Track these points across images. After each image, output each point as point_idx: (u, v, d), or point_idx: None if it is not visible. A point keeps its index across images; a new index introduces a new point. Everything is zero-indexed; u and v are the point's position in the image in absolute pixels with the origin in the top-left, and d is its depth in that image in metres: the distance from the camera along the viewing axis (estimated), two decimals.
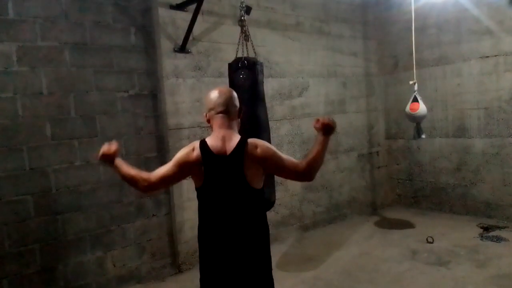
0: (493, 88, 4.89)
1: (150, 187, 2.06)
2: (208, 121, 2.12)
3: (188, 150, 2.02)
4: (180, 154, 2.03)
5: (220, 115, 2.04)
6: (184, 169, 2.03)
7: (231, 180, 1.98)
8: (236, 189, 1.99)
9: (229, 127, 2.04)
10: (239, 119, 2.14)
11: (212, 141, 2.00)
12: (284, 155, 2.05)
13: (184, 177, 2.11)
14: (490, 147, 4.99)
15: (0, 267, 3.12)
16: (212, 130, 2.09)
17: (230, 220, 2.01)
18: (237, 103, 2.11)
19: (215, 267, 2.05)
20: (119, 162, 2.14)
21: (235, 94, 2.13)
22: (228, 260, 2.02)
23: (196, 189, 2.07)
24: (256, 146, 1.98)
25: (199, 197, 2.08)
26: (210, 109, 2.08)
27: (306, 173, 2.00)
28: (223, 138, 2.00)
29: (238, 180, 1.97)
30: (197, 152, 1.99)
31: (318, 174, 5.60)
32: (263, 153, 1.98)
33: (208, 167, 1.97)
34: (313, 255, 4.26)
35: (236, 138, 2.01)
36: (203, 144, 2.00)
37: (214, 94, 2.08)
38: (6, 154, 3.15)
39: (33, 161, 3.25)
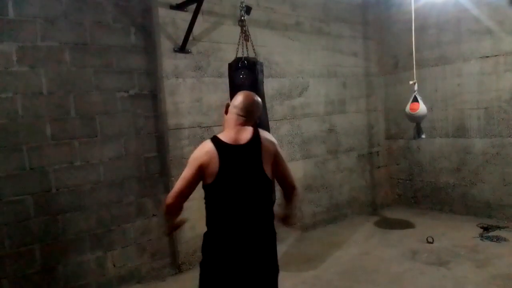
0: (493, 88, 4.89)
1: (174, 202, 2.06)
2: (226, 112, 2.17)
3: (200, 148, 2.06)
4: (195, 154, 2.04)
5: (239, 116, 2.12)
6: (202, 167, 2.00)
7: (248, 168, 2.02)
8: (253, 177, 2.03)
9: (244, 126, 2.12)
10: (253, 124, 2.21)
11: (224, 135, 2.08)
12: None
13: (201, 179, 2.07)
14: (490, 147, 4.99)
15: (0, 267, 3.12)
16: (225, 125, 2.15)
17: (248, 208, 2.04)
18: (259, 113, 2.21)
19: (230, 250, 2.03)
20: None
21: (260, 104, 2.23)
22: (246, 244, 2.03)
23: (207, 185, 2.03)
24: (270, 138, 2.14)
25: (211, 190, 2.05)
26: (235, 107, 2.14)
27: (296, 188, 2.23)
28: (237, 131, 2.07)
29: (255, 168, 2.03)
30: (209, 146, 2.02)
31: (318, 174, 5.59)
32: (276, 147, 2.11)
33: (224, 157, 1.99)
34: (313, 255, 4.26)
35: (250, 130, 2.09)
36: (214, 138, 2.07)
37: (244, 97, 2.15)
38: (6, 154, 3.15)
39: (33, 161, 3.25)
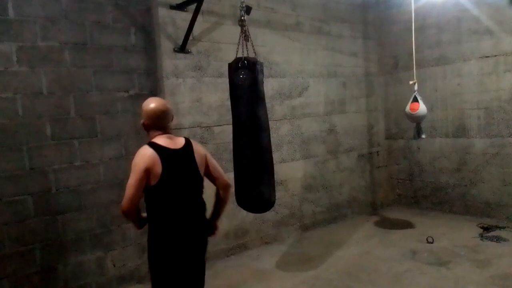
0: (493, 88, 4.90)
1: (129, 208, 2.21)
2: (145, 128, 2.36)
3: (142, 154, 2.21)
4: (138, 160, 2.19)
5: (160, 126, 2.32)
6: (148, 170, 2.17)
7: (186, 169, 2.30)
8: (190, 176, 2.31)
9: (170, 133, 2.35)
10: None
11: (160, 141, 2.27)
12: None
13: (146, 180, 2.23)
14: (490, 147, 4.99)
15: (0, 267, 3.12)
16: (150, 136, 2.33)
17: (189, 204, 2.31)
18: (170, 115, 2.38)
19: (178, 241, 2.26)
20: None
21: (168, 106, 2.40)
22: (188, 226, 2.30)
23: (151, 186, 2.21)
24: (199, 144, 2.43)
25: (155, 191, 2.23)
26: (149, 120, 2.32)
27: (230, 185, 2.48)
28: (168, 137, 2.31)
29: (191, 168, 2.31)
30: (150, 151, 2.21)
31: (318, 174, 5.56)
32: (204, 151, 2.41)
33: (165, 160, 2.21)
34: (313, 255, 4.26)
35: (181, 137, 2.37)
36: (152, 144, 2.25)
37: (152, 107, 2.32)
38: (6, 154, 3.15)
39: (33, 161, 3.25)
